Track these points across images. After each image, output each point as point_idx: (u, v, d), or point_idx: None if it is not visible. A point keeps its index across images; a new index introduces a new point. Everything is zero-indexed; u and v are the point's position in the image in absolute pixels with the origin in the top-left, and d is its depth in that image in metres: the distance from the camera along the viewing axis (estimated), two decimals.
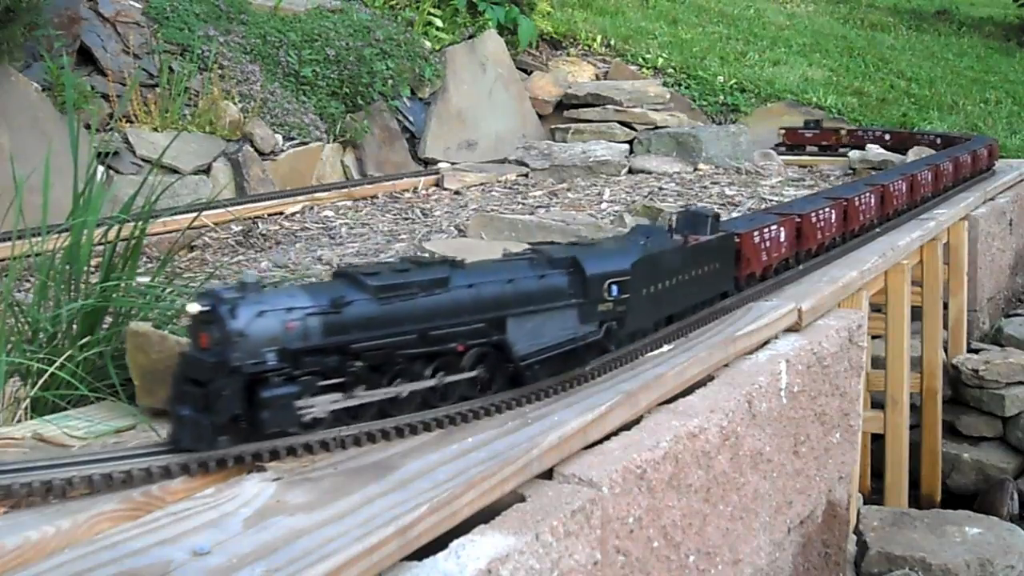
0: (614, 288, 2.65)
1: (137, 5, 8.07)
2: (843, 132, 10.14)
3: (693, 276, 3.14)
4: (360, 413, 2.21)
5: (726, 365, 3.31)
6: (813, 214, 4.37)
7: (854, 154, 9.70)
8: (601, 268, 2.63)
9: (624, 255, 2.76)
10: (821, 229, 4.46)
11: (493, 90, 10.12)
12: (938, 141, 9.41)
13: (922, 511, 5.34)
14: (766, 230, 3.81)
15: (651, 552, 2.62)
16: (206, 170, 7.24)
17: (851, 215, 4.92)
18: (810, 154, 10.33)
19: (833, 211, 4.64)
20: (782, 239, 3.97)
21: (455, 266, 2.40)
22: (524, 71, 11.15)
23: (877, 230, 5.43)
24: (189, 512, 1.94)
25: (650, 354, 3.08)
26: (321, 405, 2.09)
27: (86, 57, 7.45)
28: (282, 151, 7.85)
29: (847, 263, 4.69)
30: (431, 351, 2.29)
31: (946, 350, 7.16)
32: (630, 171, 9.15)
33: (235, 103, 7.71)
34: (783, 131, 10.46)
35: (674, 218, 3.41)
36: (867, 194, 5.20)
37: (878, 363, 6.06)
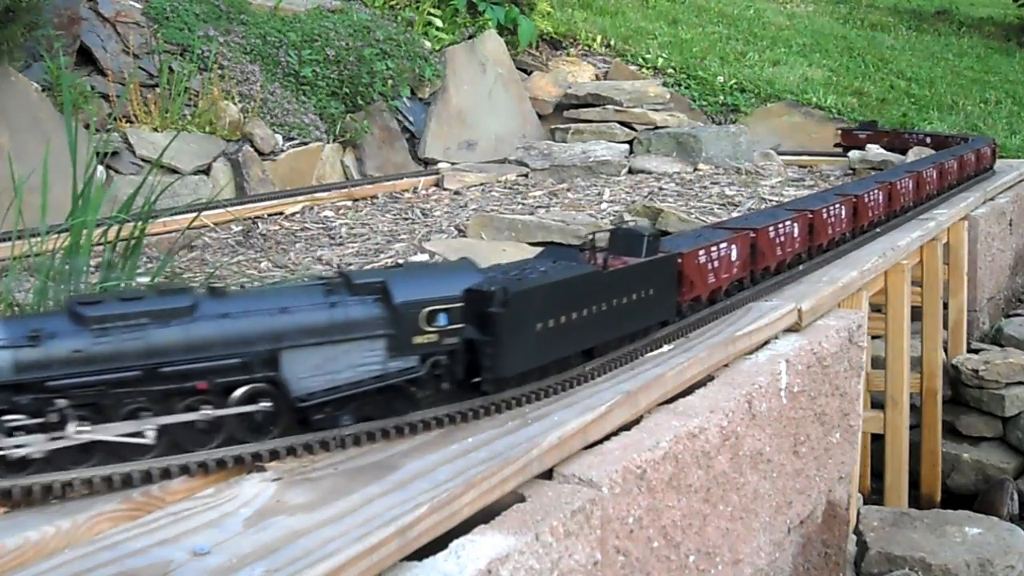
0: (441, 318, 2.27)
1: (137, 5, 8.07)
2: (894, 134, 10.22)
3: (618, 305, 2.76)
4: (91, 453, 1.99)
5: (726, 365, 3.31)
6: (771, 228, 3.96)
7: (854, 154, 9.70)
8: (416, 295, 2.25)
9: (457, 280, 2.35)
10: (781, 245, 4.04)
11: (493, 90, 10.12)
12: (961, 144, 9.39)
13: (922, 511, 5.33)
14: (714, 249, 3.43)
15: (651, 552, 2.62)
16: (206, 170, 7.24)
17: (818, 229, 4.49)
18: (812, 154, 10.36)
19: (796, 224, 4.21)
20: (734, 258, 3.57)
21: (214, 294, 2.11)
22: (524, 71, 11.16)
23: (847, 245, 4.93)
24: (189, 512, 1.94)
25: (650, 354, 3.08)
26: (33, 444, 1.89)
27: (86, 57, 7.45)
28: (282, 151, 7.85)
29: (847, 263, 4.69)
30: (165, 389, 2.00)
31: (946, 350, 7.16)
32: (630, 171, 9.15)
33: (235, 103, 7.71)
34: (840, 131, 10.60)
35: (601, 238, 3.09)
36: (836, 205, 4.73)
37: (878, 363, 6.06)
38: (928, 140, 9.77)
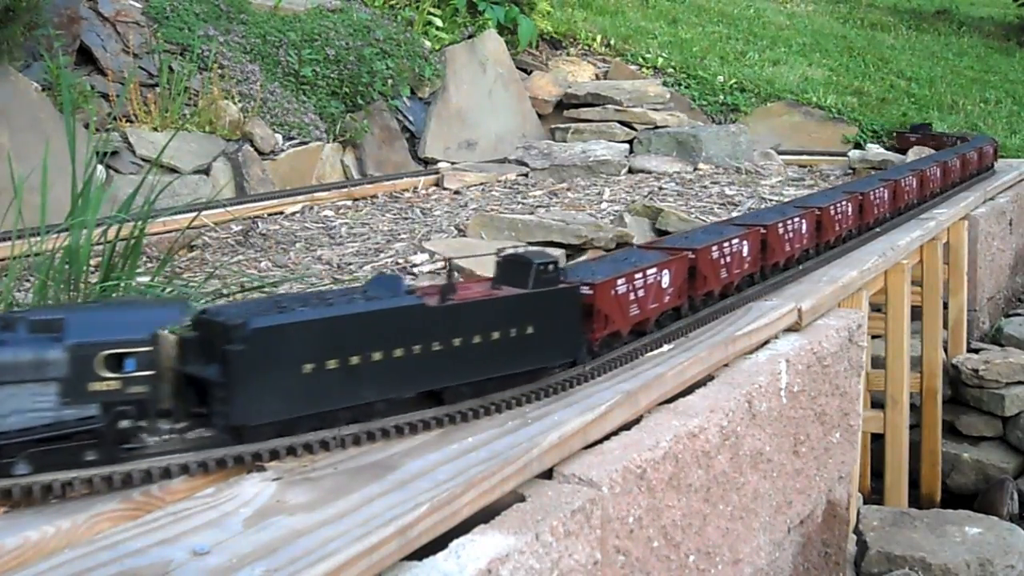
0: (128, 363, 1.96)
1: (137, 5, 8.07)
2: (940, 137, 10.27)
3: (471, 344, 2.38)
4: None
5: (726, 365, 3.31)
6: (715, 248, 3.52)
7: (854, 154, 9.71)
8: (93, 335, 1.94)
9: (156, 319, 2.04)
10: (727, 266, 3.62)
11: (493, 90, 10.12)
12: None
13: (922, 511, 5.34)
14: (638, 276, 3.00)
15: (651, 552, 2.62)
16: (206, 170, 7.23)
17: (772, 246, 4.02)
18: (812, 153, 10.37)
19: (746, 242, 3.76)
20: (666, 284, 3.16)
21: None
22: (524, 71, 11.15)
23: (810, 263, 4.47)
24: (189, 512, 1.94)
25: (650, 354, 3.08)
26: None
27: (86, 57, 7.45)
28: (282, 151, 7.85)
29: (847, 263, 4.69)
30: None
31: (946, 350, 7.16)
32: (630, 171, 9.15)
33: (235, 103, 7.71)
34: (895, 134, 10.71)
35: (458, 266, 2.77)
36: (796, 219, 4.24)
37: (878, 363, 6.06)
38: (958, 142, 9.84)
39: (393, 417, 2.33)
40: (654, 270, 3.08)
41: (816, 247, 4.53)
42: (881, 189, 5.49)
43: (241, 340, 2.01)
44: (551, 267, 2.59)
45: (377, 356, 2.20)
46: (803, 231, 4.32)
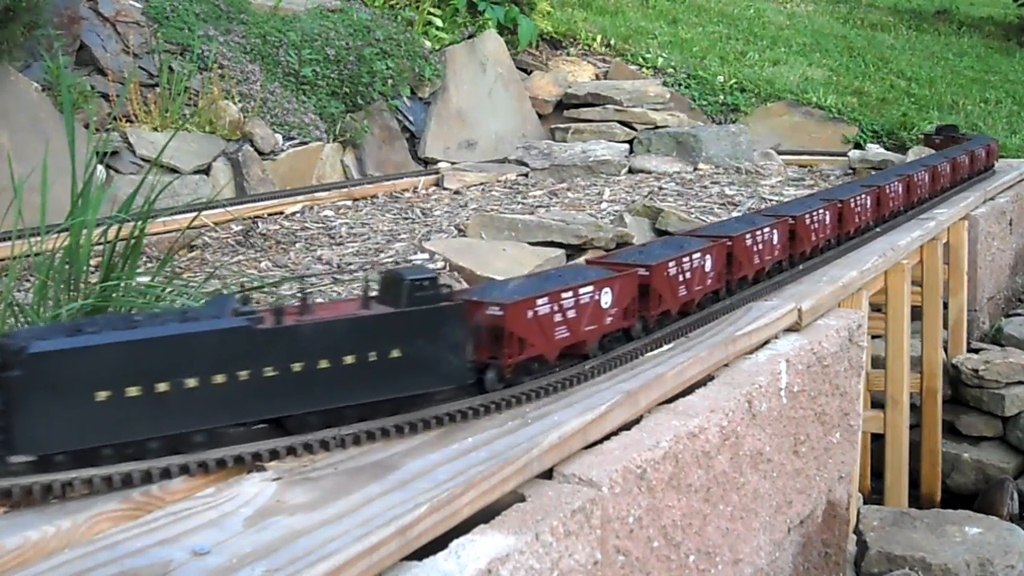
0: None
1: (137, 5, 8.07)
2: (961, 137, 10.28)
3: (315, 369, 2.15)
4: None
5: (726, 365, 3.31)
6: (672, 263, 3.21)
7: (854, 154, 9.72)
8: None
9: None
10: (687, 282, 3.31)
11: (493, 90, 10.12)
12: None
13: (922, 511, 5.34)
14: (567, 295, 2.71)
15: (651, 552, 2.62)
16: (206, 170, 7.24)
17: (739, 259, 3.73)
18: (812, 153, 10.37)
19: (710, 256, 3.47)
20: (608, 303, 2.86)
21: None
22: (524, 71, 11.15)
23: (783, 276, 4.18)
24: (189, 512, 1.94)
25: (650, 354, 3.08)
26: None
27: (86, 57, 7.45)
28: (282, 151, 7.85)
29: (847, 263, 4.69)
30: None
31: (946, 350, 7.16)
32: (630, 171, 9.15)
33: (235, 103, 7.71)
34: (922, 136, 10.76)
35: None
36: (766, 229, 3.97)
37: (878, 363, 6.06)
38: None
39: (393, 417, 2.33)
40: (589, 288, 2.79)
41: (789, 258, 4.24)
42: (863, 195, 5.16)
43: (18, 366, 1.85)
44: (427, 283, 2.32)
45: (192, 383, 2.00)
46: (774, 241, 4.03)
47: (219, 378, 2.03)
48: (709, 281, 3.46)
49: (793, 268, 4.31)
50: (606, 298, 2.85)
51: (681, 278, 3.27)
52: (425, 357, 2.31)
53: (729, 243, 3.68)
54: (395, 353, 2.26)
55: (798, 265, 4.35)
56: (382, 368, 2.25)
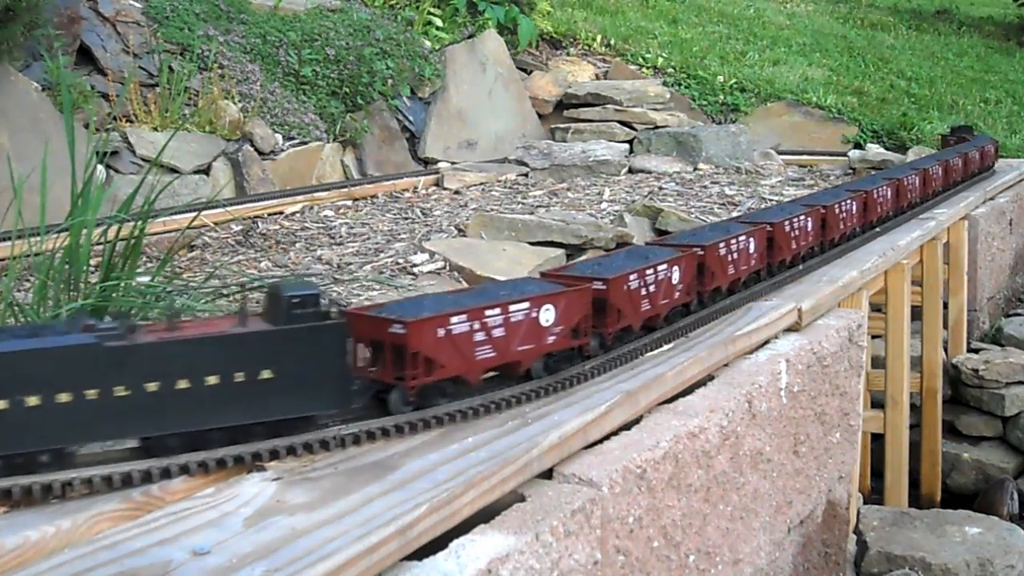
0: None
1: (137, 5, 8.07)
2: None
3: (178, 390, 2.03)
4: None
5: (726, 365, 3.31)
6: (633, 276, 2.97)
7: (854, 154, 9.72)
8: None
9: None
10: (650, 296, 3.07)
11: (493, 90, 10.12)
12: None
13: (922, 511, 5.34)
14: (492, 312, 2.49)
15: (651, 552, 2.62)
16: (206, 170, 7.23)
17: (711, 270, 3.48)
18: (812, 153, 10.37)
19: (677, 267, 3.20)
20: (549, 321, 2.64)
21: None
22: (524, 71, 11.15)
23: (762, 285, 3.92)
24: (189, 512, 1.94)
25: (650, 354, 3.08)
26: None
27: (86, 57, 7.45)
28: (282, 151, 7.85)
29: (847, 263, 4.69)
30: None
31: (946, 350, 7.16)
32: (630, 171, 9.15)
33: (235, 103, 7.71)
34: (940, 136, 10.73)
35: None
36: (741, 238, 3.68)
37: (878, 363, 6.06)
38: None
39: (393, 417, 2.33)
40: (523, 305, 2.56)
41: (768, 267, 4.00)
42: (848, 201, 4.89)
43: None
44: (307, 300, 2.16)
45: (33, 401, 1.91)
46: (751, 251, 3.80)
47: (64, 397, 1.93)
48: (676, 294, 3.21)
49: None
50: (547, 315, 2.64)
51: (644, 292, 3.03)
52: (301, 379, 2.17)
53: (700, 253, 3.48)
54: (266, 374, 2.12)
55: (776, 275, 4.13)
56: (251, 390, 2.11)
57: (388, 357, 2.33)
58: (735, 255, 3.69)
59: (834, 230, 4.69)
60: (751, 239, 3.78)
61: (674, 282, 3.19)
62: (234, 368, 2.08)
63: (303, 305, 2.16)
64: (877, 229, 5.34)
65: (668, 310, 3.21)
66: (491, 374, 2.60)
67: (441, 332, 2.38)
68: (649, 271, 3.06)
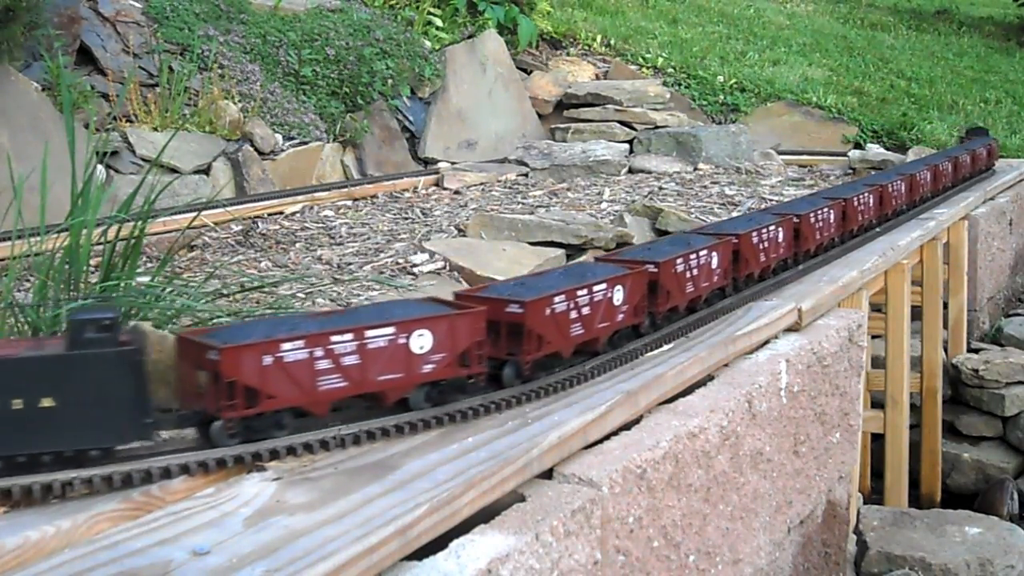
0: None
1: (137, 5, 8.07)
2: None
3: None
4: None
5: (726, 365, 3.31)
6: (559, 298, 2.69)
7: (854, 154, 9.72)
8: None
9: None
10: (584, 320, 2.77)
11: (493, 90, 10.12)
12: None
13: (922, 511, 5.34)
14: (340, 340, 2.25)
15: (651, 552, 2.62)
16: (206, 170, 7.23)
17: (666, 287, 3.17)
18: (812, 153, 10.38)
19: (621, 287, 2.92)
20: (423, 348, 2.38)
21: None
22: (524, 71, 11.15)
23: (730, 299, 3.66)
24: (189, 512, 1.94)
25: (650, 354, 3.08)
26: None
27: (86, 57, 7.45)
28: (282, 151, 7.85)
29: (847, 263, 4.69)
30: None
31: (946, 350, 7.16)
32: (630, 171, 9.15)
33: (235, 103, 7.71)
34: (959, 137, 10.74)
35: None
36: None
37: (878, 363, 6.06)
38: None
39: (393, 417, 2.33)
40: (388, 332, 2.31)
41: (734, 283, 3.70)
42: (826, 209, 4.56)
43: None
44: (99, 325, 2.00)
45: None
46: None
47: None
48: (621, 315, 2.94)
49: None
50: (420, 341, 2.38)
51: (575, 314, 2.74)
52: (85, 408, 1.98)
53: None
54: (46, 402, 1.96)
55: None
56: (30, 418, 1.94)
57: (211, 385, 2.14)
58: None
59: (809, 241, 4.37)
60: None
61: (616, 302, 2.90)
62: (11, 395, 1.94)
63: (92, 329, 2.00)
64: (856, 239, 5.01)
65: (610, 333, 2.92)
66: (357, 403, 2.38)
67: (268, 360, 2.15)
68: (582, 292, 2.77)
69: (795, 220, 4.20)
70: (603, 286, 2.84)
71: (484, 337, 2.50)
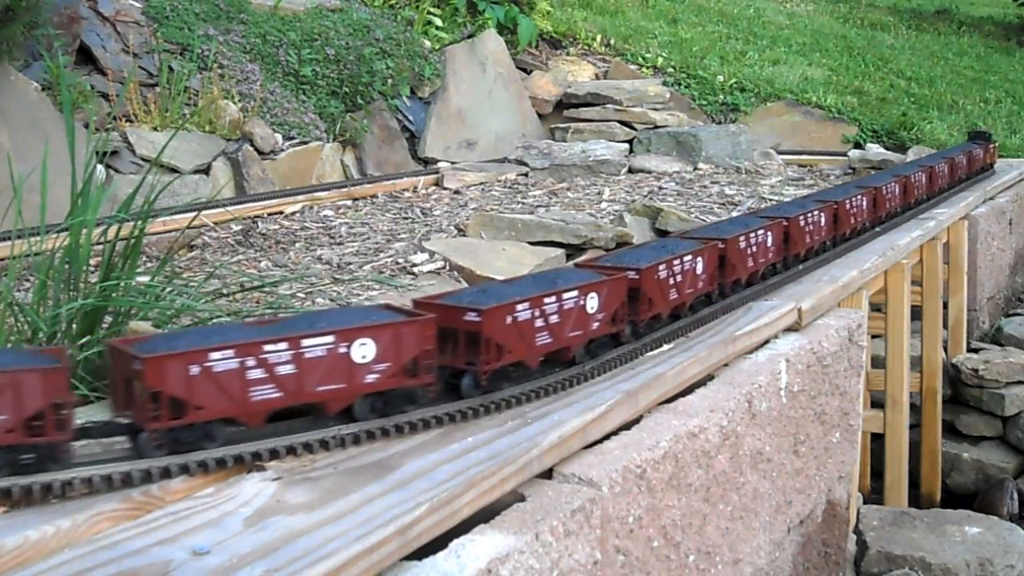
0: None
1: (137, 5, 8.06)
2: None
3: None
4: None
5: (726, 365, 3.31)
6: (521, 306, 2.58)
7: (854, 153, 9.72)
8: None
9: None
10: (552, 328, 2.67)
11: (493, 90, 10.12)
12: None
13: (922, 511, 5.34)
14: (270, 349, 2.15)
15: (651, 552, 2.62)
16: (206, 169, 7.23)
17: (648, 295, 3.06)
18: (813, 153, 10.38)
19: (596, 294, 2.80)
20: (366, 358, 2.29)
21: None
22: (524, 70, 11.15)
23: (713, 307, 3.52)
24: (189, 512, 1.94)
25: (650, 354, 3.08)
26: None
27: (86, 56, 7.45)
28: (282, 150, 7.85)
29: (847, 263, 4.69)
30: None
31: (946, 350, 7.16)
32: (630, 170, 9.15)
33: (235, 102, 7.70)
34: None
35: None
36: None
37: (878, 363, 6.06)
38: None
39: (392, 417, 2.33)
40: (326, 339, 2.21)
41: (720, 289, 3.59)
42: (817, 212, 4.45)
43: None
44: None
45: None
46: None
47: None
48: (595, 324, 2.82)
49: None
50: (363, 350, 2.29)
51: (538, 324, 2.63)
52: None
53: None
54: None
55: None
56: None
57: (138, 396, 2.05)
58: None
59: (799, 245, 4.25)
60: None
61: (590, 310, 2.79)
62: None
63: None
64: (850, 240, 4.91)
65: (581, 343, 2.81)
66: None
67: (195, 370, 2.06)
68: (550, 299, 2.67)
69: (784, 224, 4.08)
70: (574, 293, 2.73)
71: (433, 346, 2.39)
